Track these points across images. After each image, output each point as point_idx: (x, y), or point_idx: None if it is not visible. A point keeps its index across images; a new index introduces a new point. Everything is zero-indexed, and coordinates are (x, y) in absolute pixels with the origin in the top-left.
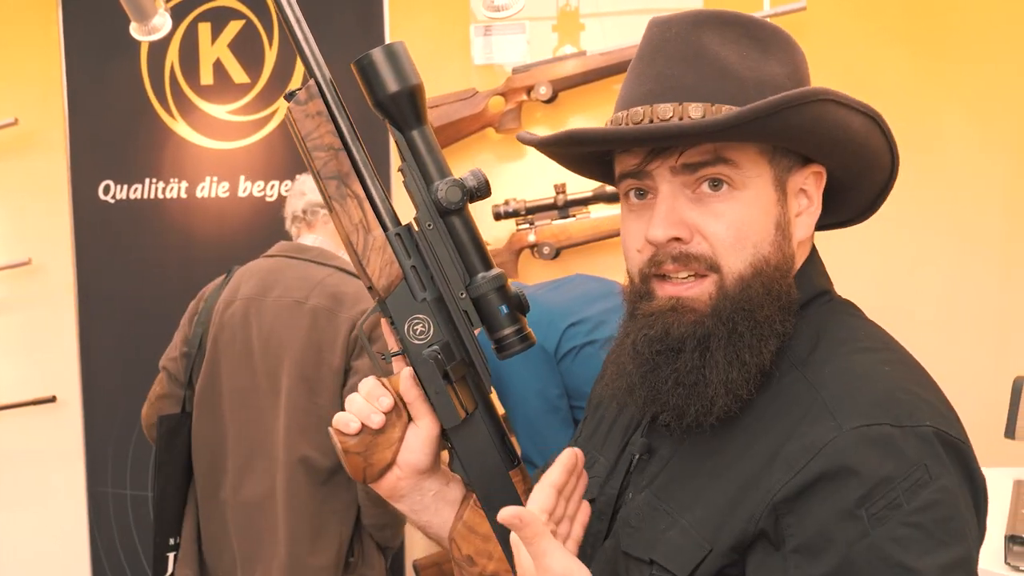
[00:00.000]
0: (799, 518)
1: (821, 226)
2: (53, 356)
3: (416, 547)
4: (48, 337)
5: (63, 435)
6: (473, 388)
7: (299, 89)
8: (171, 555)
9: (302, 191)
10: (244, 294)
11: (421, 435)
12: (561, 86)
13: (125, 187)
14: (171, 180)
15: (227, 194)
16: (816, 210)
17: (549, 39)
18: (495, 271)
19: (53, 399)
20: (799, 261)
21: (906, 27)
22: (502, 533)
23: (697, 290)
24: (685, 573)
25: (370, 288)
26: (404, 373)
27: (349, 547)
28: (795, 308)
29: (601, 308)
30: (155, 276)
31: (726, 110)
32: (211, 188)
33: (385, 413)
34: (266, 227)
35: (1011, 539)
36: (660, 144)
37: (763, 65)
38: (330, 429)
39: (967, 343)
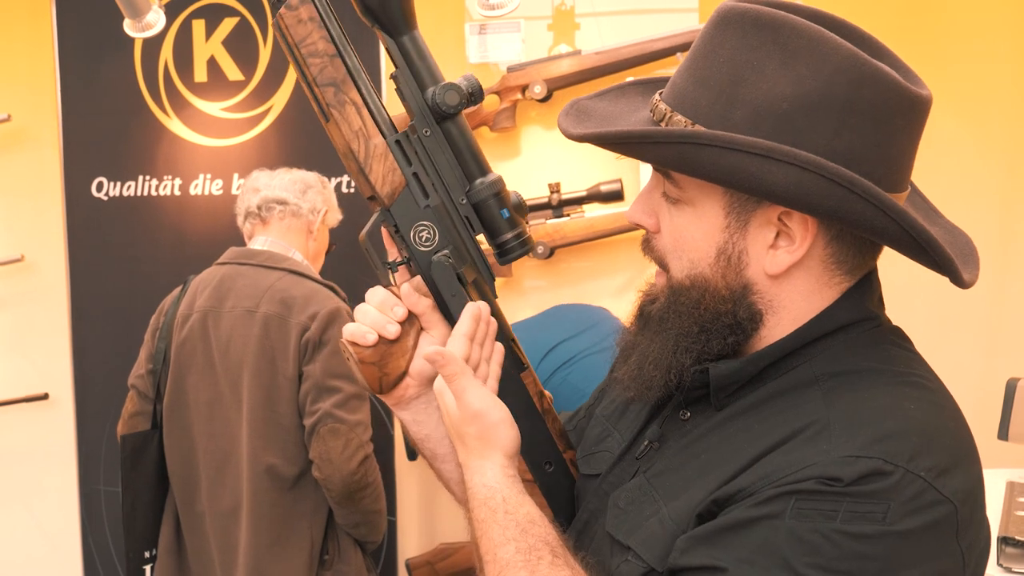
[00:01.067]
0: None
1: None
2: (45, 353)
3: (408, 546)
4: (40, 334)
5: (55, 433)
6: (480, 294)
7: None
8: (148, 567)
9: (256, 187)
10: (200, 306)
11: (434, 342)
12: (556, 85)
13: (118, 184)
14: (165, 177)
15: (221, 192)
16: (799, 250)
17: (544, 38)
18: (493, 176)
19: (45, 396)
20: (792, 292)
21: (899, 29)
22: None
23: (660, 281)
24: (662, 565)
25: (371, 197)
26: (405, 287)
27: (324, 545)
28: (735, 335)
29: (579, 342)
30: (148, 273)
31: (677, 119)
32: (205, 185)
33: (399, 323)
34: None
35: (1003, 540)
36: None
37: (766, 80)
38: (343, 342)
39: (960, 345)
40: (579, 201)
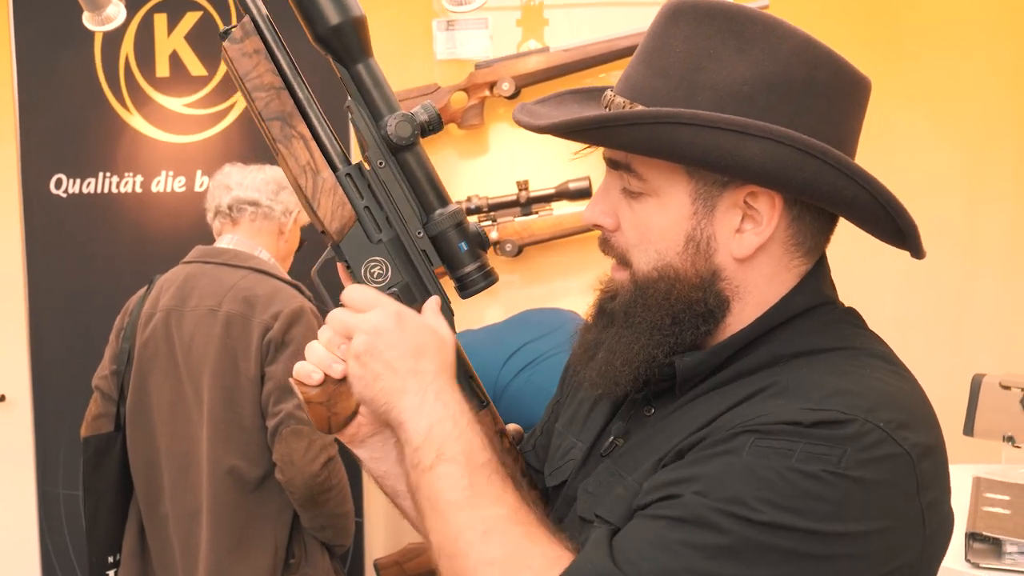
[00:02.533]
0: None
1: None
2: (2, 354)
3: (376, 546)
4: None
5: (13, 434)
6: None
7: (234, 26)
8: (111, 572)
9: (227, 184)
10: (163, 305)
11: None
12: (524, 82)
13: (78, 181)
14: (125, 174)
15: (183, 189)
16: (765, 231)
17: (513, 34)
18: (453, 207)
19: (2, 398)
20: (756, 276)
21: (867, 28)
22: None
23: (621, 276)
24: (625, 522)
25: (323, 232)
26: None
27: (290, 549)
28: (707, 323)
29: (543, 344)
30: (109, 273)
31: (637, 108)
32: (167, 183)
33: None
34: None
35: (971, 536)
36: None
37: (724, 66)
38: (291, 380)
39: (925, 340)
40: (548, 199)
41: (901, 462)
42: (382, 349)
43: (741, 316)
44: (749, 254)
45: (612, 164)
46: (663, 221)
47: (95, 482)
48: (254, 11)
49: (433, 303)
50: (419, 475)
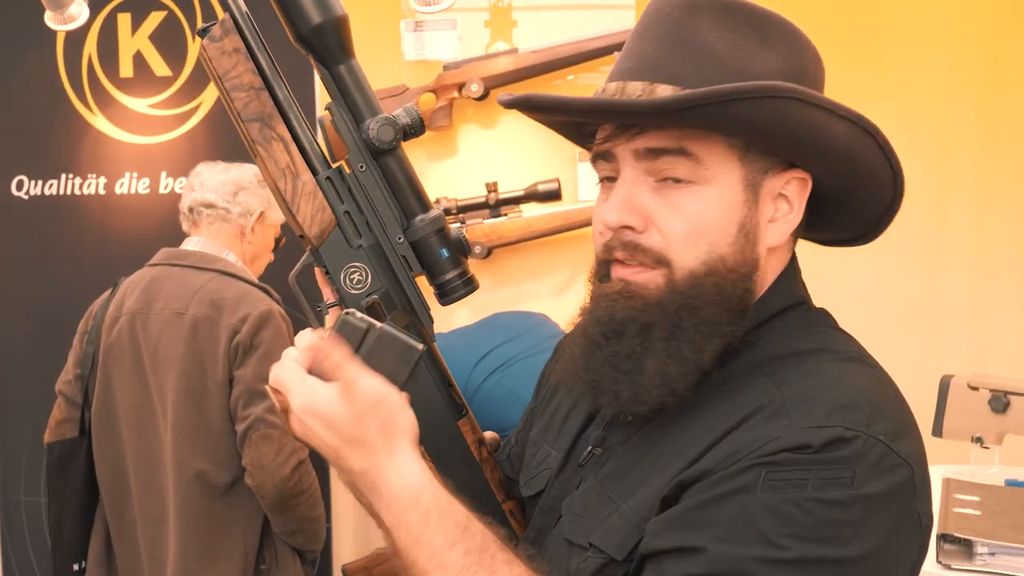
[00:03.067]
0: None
1: (824, 241)
2: None
3: (344, 551)
4: None
5: None
6: (415, 338)
7: (213, 24)
8: None
9: (192, 185)
10: (128, 309)
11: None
12: (493, 83)
13: (40, 183)
14: (89, 176)
15: (148, 191)
16: (795, 218)
17: (481, 36)
18: (434, 213)
19: None
20: (772, 268)
21: (833, 29)
22: (455, 482)
23: (645, 277)
24: (622, 554)
25: (302, 236)
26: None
27: (260, 554)
28: (750, 312)
29: (513, 347)
30: (71, 275)
31: None
32: (131, 184)
33: None
34: None
35: (942, 537)
36: (606, 120)
37: (757, 57)
38: (267, 387)
39: (894, 341)
40: (517, 200)
41: (903, 473)
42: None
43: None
44: (783, 242)
45: (651, 153)
46: (717, 210)
47: (59, 488)
48: (234, 9)
49: (340, 368)
50: None
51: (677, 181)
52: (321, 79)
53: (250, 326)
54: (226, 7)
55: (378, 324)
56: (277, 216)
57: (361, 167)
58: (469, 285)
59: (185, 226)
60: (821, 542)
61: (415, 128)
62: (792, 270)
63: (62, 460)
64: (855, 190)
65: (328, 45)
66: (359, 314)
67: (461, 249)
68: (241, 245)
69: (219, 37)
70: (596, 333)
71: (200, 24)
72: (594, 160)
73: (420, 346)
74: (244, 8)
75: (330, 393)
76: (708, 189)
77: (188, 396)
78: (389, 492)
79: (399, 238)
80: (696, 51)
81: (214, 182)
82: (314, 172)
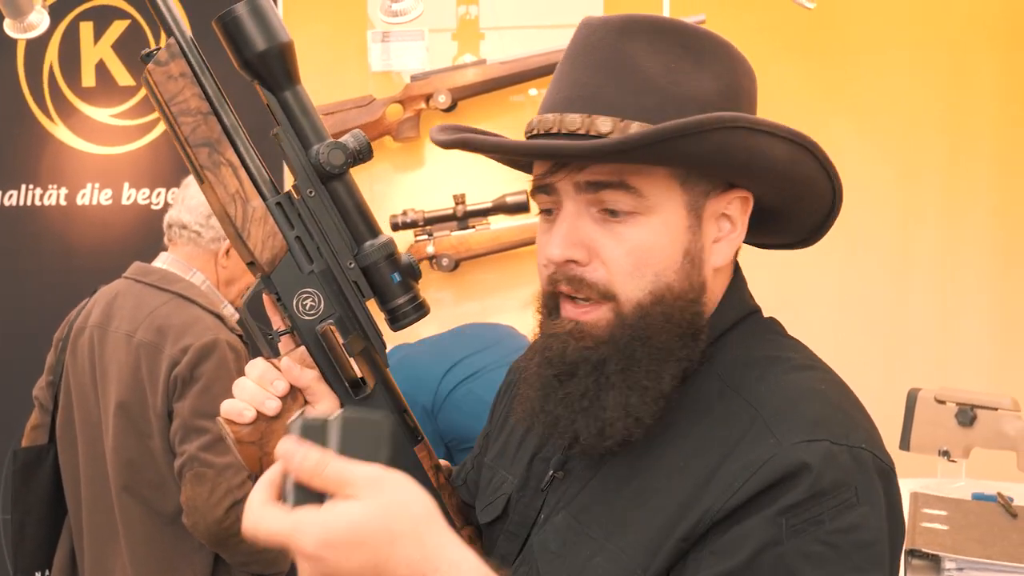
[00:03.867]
0: (728, 526)
1: (764, 245)
2: None
3: None
4: None
5: None
6: (370, 363)
7: (158, 49)
8: None
9: (176, 199)
10: (92, 322)
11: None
12: (460, 95)
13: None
14: (49, 186)
15: (110, 201)
16: (739, 236)
17: (448, 47)
18: (383, 238)
19: None
20: (719, 286)
21: (801, 39)
22: None
23: (595, 315)
24: None
25: (251, 264)
26: (286, 360)
27: None
28: (703, 334)
29: (483, 358)
30: (32, 287)
31: (636, 127)
32: (92, 195)
33: (280, 398)
34: (151, 236)
35: (910, 553)
36: (548, 159)
37: (693, 79)
38: (220, 419)
39: (860, 354)
40: (484, 212)
41: (887, 474)
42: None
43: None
44: (727, 263)
45: (592, 187)
46: (661, 239)
47: (24, 495)
48: (178, 34)
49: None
50: None
51: (618, 213)
52: (267, 105)
53: (190, 357)
54: (170, 32)
55: (334, 414)
56: None
57: (310, 192)
58: (420, 310)
59: (165, 239)
60: (856, 570)
61: (363, 153)
62: (738, 281)
63: (27, 467)
64: (796, 202)
65: (273, 71)
66: (309, 413)
67: (412, 274)
68: (215, 268)
69: (165, 61)
70: (548, 375)
71: (151, 48)
72: (534, 193)
73: (385, 419)
74: (188, 33)
75: (347, 510)
76: (651, 219)
77: (128, 422)
78: (449, 566)
79: (350, 263)
80: (632, 78)
81: (192, 202)
82: (264, 197)
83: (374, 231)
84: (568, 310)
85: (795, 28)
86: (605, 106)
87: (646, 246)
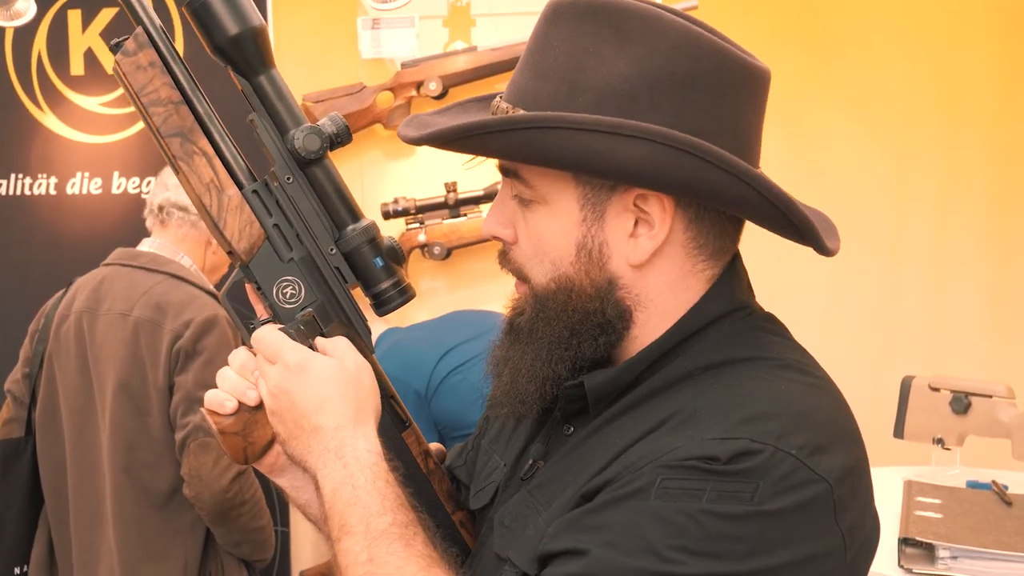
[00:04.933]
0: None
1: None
2: None
3: (303, 557)
4: None
5: None
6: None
7: (125, 38)
8: None
9: (165, 183)
10: (77, 308)
11: None
12: (451, 82)
13: None
14: (39, 176)
15: (100, 191)
16: (659, 234)
17: (439, 34)
18: (365, 222)
19: None
20: (659, 282)
21: (794, 28)
22: None
23: (521, 290)
24: (534, 569)
25: (230, 252)
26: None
27: (203, 566)
28: (606, 335)
29: (477, 345)
30: (21, 277)
31: (519, 114)
32: (82, 184)
33: None
34: (141, 225)
35: (904, 541)
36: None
37: (603, 64)
38: (202, 410)
39: (854, 342)
40: (476, 200)
41: (817, 489)
42: (285, 409)
43: (647, 326)
44: (645, 259)
45: (503, 172)
46: (554, 230)
47: (1, 489)
48: (147, 22)
49: (337, 342)
50: (329, 547)
51: (524, 200)
52: (241, 90)
53: (193, 331)
54: (138, 21)
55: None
56: None
57: (288, 179)
58: (405, 294)
59: (149, 222)
60: (711, 557)
61: (341, 137)
62: (732, 274)
63: (5, 461)
64: (722, 206)
65: (246, 56)
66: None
67: (395, 258)
68: (204, 253)
69: (133, 51)
70: (497, 343)
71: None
72: None
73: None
74: (157, 21)
75: (325, 359)
76: (544, 208)
77: (128, 400)
78: (354, 451)
79: (331, 249)
80: (540, 64)
81: None
82: (239, 186)
83: (355, 215)
84: (515, 285)
85: (788, 17)
86: (515, 92)
87: (540, 233)
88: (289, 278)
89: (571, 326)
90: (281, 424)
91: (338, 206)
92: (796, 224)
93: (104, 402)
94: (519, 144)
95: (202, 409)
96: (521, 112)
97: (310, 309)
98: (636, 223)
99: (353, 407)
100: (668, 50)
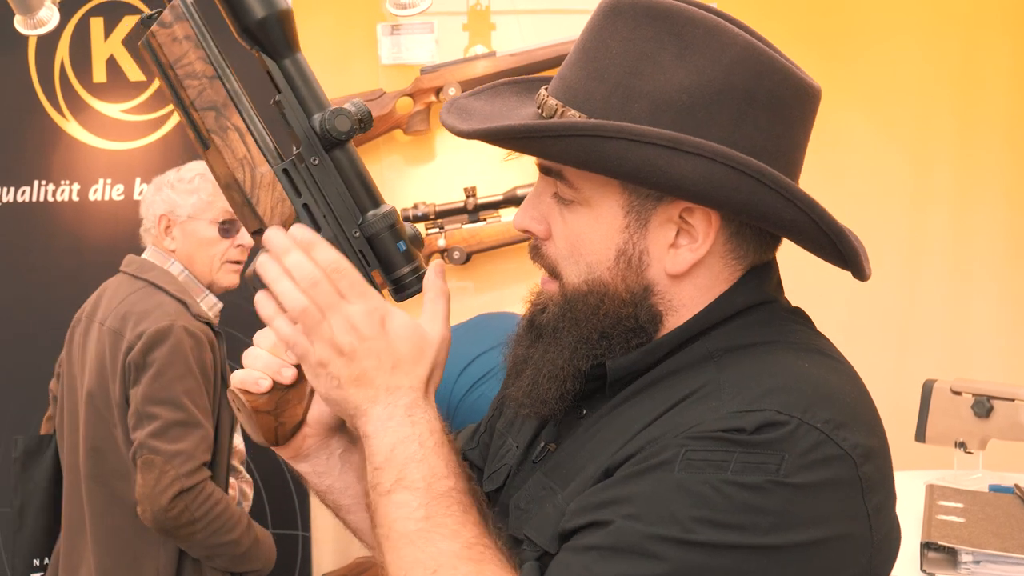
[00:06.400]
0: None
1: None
2: None
3: (324, 561)
4: None
5: None
6: None
7: (158, 11)
8: None
9: (152, 195)
10: (84, 314)
11: None
12: (471, 87)
13: (12, 189)
14: (62, 182)
15: (122, 197)
16: (701, 247)
17: (459, 39)
18: (386, 207)
19: None
20: (696, 292)
21: (812, 29)
22: None
23: (551, 287)
24: (555, 546)
25: (257, 232)
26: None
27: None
28: (635, 340)
29: (498, 355)
30: (44, 282)
31: (571, 115)
32: (104, 191)
33: (295, 365)
34: None
35: (926, 545)
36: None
37: (663, 71)
38: (234, 389)
39: (875, 346)
40: (495, 205)
41: (843, 464)
42: (361, 355)
43: (676, 325)
44: (684, 270)
45: (544, 170)
46: (594, 234)
47: (24, 482)
48: None
49: (435, 289)
50: (377, 498)
51: (564, 199)
52: (268, 72)
53: (143, 343)
54: None
55: None
56: (191, 210)
57: (314, 160)
58: (422, 280)
59: (144, 237)
60: (735, 528)
61: (365, 122)
62: (764, 270)
63: (27, 455)
64: (772, 228)
65: (274, 38)
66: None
67: (416, 241)
68: (174, 254)
69: (169, 23)
70: (519, 335)
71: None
72: None
73: None
74: None
75: (408, 317)
76: (586, 211)
77: (94, 411)
78: (424, 414)
79: (355, 232)
80: (594, 64)
81: (145, 200)
82: (270, 164)
83: (376, 201)
84: (541, 279)
85: (806, 18)
86: (564, 89)
87: (579, 235)
88: None
89: (601, 329)
90: (351, 366)
91: (360, 191)
92: (843, 252)
93: (80, 409)
94: (577, 150)
95: (232, 388)
96: (575, 114)
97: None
98: (678, 233)
99: (426, 374)
100: (729, 64)
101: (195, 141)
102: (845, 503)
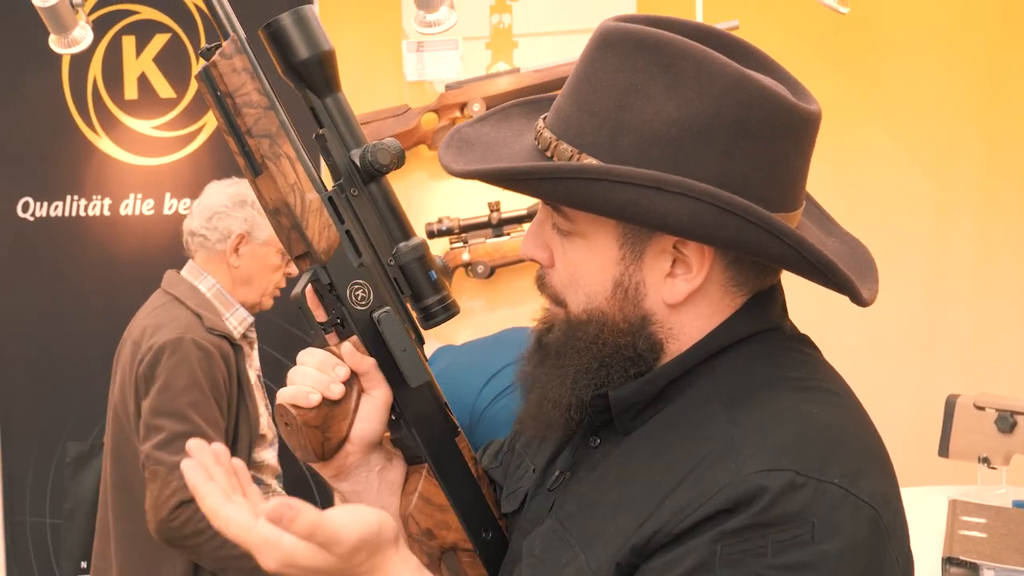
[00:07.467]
0: (672, 548)
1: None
2: None
3: None
4: None
5: None
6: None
7: (217, 44)
8: None
9: (192, 210)
10: (128, 328)
11: (376, 403)
12: (495, 103)
13: (45, 204)
14: (94, 197)
15: (152, 212)
16: (696, 278)
17: (482, 56)
18: (416, 239)
19: None
20: (697, 320)
21: (834, 46)
22: (458, 500)
23: (557, 311)
24: None
25: (301, 256)
26: (347, 346)
27: None
28: (633, 369)
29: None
30: (76, 296)
31: (563, 147)
32: (135, 206)
33: (343, 382)
34: None
35: (948, 561)
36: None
37: (651, 104)
38: (283, 404)
39: (897, 361)
40: (519, 220)
41: (867, 517)
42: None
43: (678, 353)
44: (681, 300)
45: (544, 200)
46: (591, 265)
47: (73, 487)
48: (240, 31)
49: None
50: None
51: (562, 231)
52: (312, 108)
53: (151, 356)
54: (233, 29)
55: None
56: (269, 235)
57: (354, 192)
58: (449, 310)
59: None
60: None
61: (400, 159)
62: (765, 296)
63: (78, 461)
64: (763, 261)
65: (315, 78)
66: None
67: (444, 273)
68: (227, 270)
69: (230, 55)
70: (528, 356)
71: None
72: None
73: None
74: (243, 34)
75: (310, 550)
76: (583, 243)
77: (117, 423)
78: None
79: (390, 261)
80: (586, 96)
81: (198, 207)
82: (317, 191)
83: (407, 233)
84: (546, 304)
85: (828, 35)
86: (560, 122)
87: (576, 266)
88: (360, 281)
89: (600, 358)
90: None
91: (393, 223)
92: (836, 283)
93: (109, 420)
94: (563, 191)
95: (281, 403)
96: (567, 148)
97: (387, 308)
98: (674, 263)
99: (366, 567)
100: (718, 95)
101: (245, 168)
102: (878, 553)
